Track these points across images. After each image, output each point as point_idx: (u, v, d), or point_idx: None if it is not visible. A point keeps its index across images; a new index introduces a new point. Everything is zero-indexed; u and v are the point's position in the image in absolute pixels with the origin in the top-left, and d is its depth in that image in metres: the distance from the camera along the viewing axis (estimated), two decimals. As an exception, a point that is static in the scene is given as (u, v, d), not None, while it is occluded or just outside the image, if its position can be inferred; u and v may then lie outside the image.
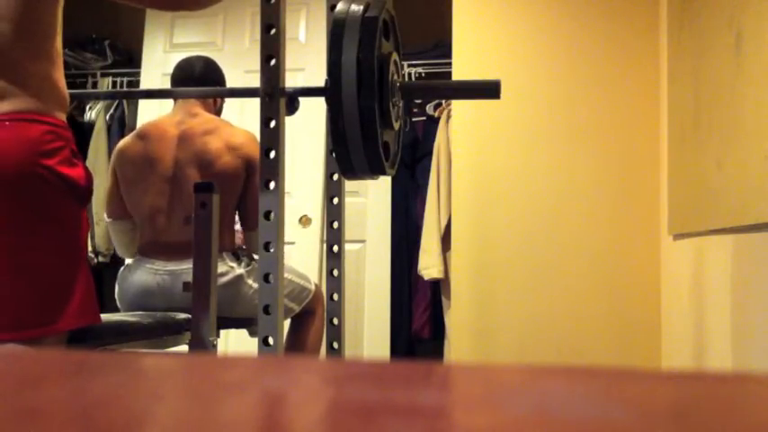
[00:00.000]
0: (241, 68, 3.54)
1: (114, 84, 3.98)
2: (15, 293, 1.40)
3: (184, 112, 2.34)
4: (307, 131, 3.37)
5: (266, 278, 1.70)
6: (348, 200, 2.36)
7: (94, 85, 3.97)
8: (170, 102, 2.49)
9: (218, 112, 2.46)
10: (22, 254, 1.40)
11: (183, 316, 2.00)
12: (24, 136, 1.39)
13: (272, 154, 1.71)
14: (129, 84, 3.95)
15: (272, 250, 1.70)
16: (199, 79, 2.38)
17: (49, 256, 1.43)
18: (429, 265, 3.35)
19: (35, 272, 1.42)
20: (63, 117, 1.47)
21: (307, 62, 3.53)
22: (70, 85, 1.56)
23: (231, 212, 2.31)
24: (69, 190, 1.44)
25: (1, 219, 1.38)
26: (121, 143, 2.40)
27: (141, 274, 2.25)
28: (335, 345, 2.19)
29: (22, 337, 1.39)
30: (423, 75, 3.69)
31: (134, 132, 2.42)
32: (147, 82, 3.79)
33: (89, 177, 1.49)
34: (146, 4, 1.71)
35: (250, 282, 2.25)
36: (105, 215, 2.44)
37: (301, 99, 1.80)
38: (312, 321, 2.45)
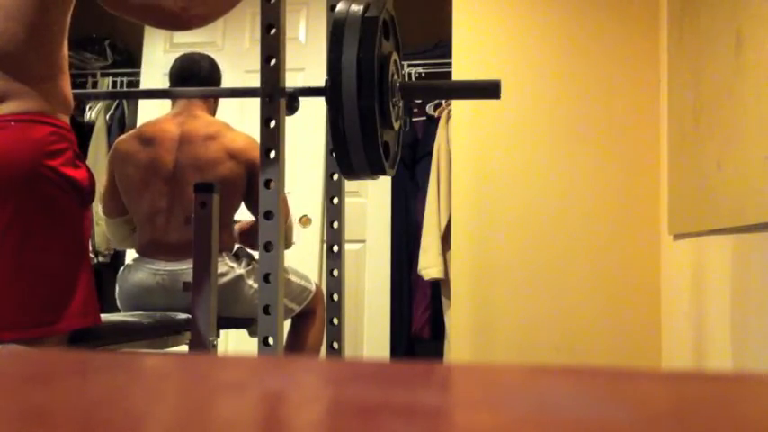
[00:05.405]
0: (241, 68, 3.54)
1: (114, 84, 3.97)
2: (18, 293, 1.41)
3: (186, 113, 2.33)
4: (307, 131, 3.37)
5: (266, 278, 1.70)
6: (348, 200, 2.36)
7: (94, 85, 3.97)
8: (170, 102, 2.48)
9: (214, 110, 2.46)
10: (25, 253, 1.40)
11: (183, 316, 2.00)
12: (29, 136, 1.39)
13: (272, 154, 1.71)
14: (129, 84, 3.95)
15: (272, 250, 1.70)
16: (204, 79, 2.37)
17: (53, 257, 1.44)
18: (429, 265, 3.35)
19: (38, 272, 1.42)
20: (67, 119, 1.47)
21: (307, 62, 3.53)
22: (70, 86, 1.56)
23: (231, 214, 2.31)
24: (73, 191, 1.44)
25: (4, 218, 1.38)
26: (119, 142, 2.37)
27: (141, 275, 2.25)
28: (335, 345, 2.18)
29: (24, 337, 1.40)
30: (423, 75, 3.69)
31: (133, 132, 2.41)
32: (147, 82, 3.78)
33: (92, 179, 1.49)
34: (151, 23, 1.70)
35: (250, 282, 2.25)
36: (101, 212, 2.43)
37: (301, 99, 1.80)
38: (312, 321, 2.45)
